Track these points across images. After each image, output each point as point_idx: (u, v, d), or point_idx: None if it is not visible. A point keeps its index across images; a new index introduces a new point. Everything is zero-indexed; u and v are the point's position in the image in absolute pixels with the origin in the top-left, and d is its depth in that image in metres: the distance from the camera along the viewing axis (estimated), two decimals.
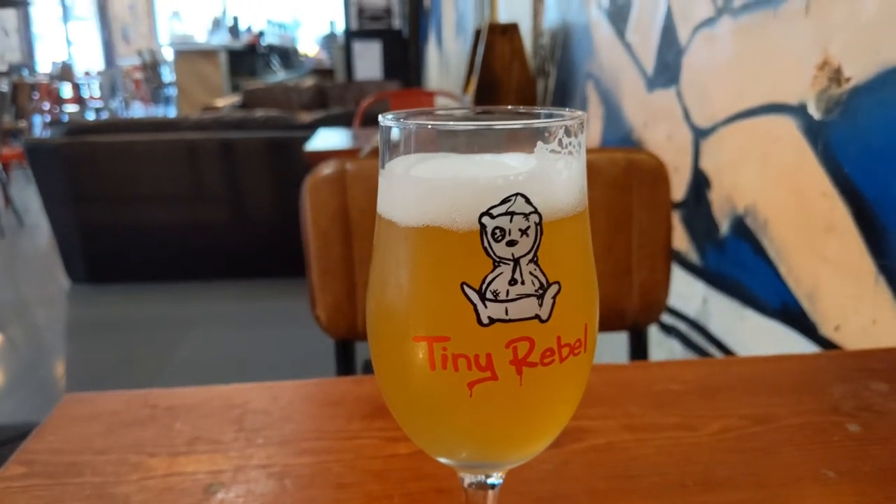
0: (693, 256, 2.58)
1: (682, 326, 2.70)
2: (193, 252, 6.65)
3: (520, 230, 0.57)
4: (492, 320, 0.58)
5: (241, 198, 6.59)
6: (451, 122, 0.60)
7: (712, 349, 2.48)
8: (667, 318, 2.81)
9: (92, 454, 0.99)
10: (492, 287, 0.57)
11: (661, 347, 2.88)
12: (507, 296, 0.58)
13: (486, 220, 0.57)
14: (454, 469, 0.69)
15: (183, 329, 5.63)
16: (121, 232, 6.56)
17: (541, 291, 0.58)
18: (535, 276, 0.58)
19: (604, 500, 0.89)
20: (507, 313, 0.58)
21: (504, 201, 0.57)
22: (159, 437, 1.03)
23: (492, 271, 0.57)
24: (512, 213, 0.57)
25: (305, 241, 1.75)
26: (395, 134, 0.61)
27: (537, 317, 0.58)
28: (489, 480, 0.69)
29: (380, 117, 0.62)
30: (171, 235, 6.59)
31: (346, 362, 1.85)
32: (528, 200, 0.57)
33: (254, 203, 6.61)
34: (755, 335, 2.21)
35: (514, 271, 0.57)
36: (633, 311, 1.84)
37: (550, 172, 0.59)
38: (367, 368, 2.51)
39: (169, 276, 6.68)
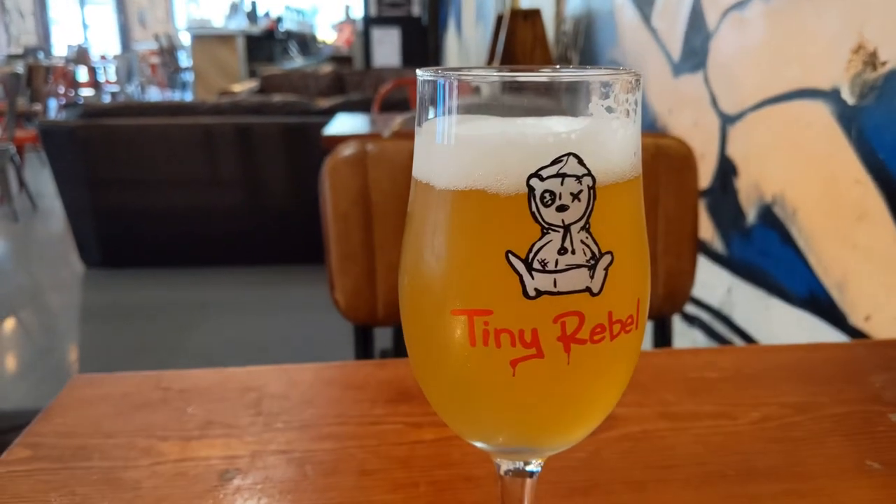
0: (718, 245, 2.55)
1: (705, 316, 2.67)
2: (209, 237, 6.64)
3: (571, 194, 0.53)
4: (539, 292, 0.53)
5: (258, 183, 6.57)
6: (499, 73, 0.55)
7: (736, 339, 2.45)
8: (690, 308, 2.77)
9: (101, 437, 0.96)
10: (539, 256, 0.53)
11: (684, 337, 2.84)
12: (555, 266, 0.53)
13: (534, 182, 0.52)
14: (490, 455, 0.65)
15: (198, 315, 5.62)
16: (136, 216, 6.54)
17: (592, 262, 0.54)
18: (587, 245, 0.54)
19: (641, 490, 0.86)
20: (555, 285, 0.53)
21: (555, 162, 0.52)
22: (171, 421, 1.00)
23: (540, 239, 0.53)
24: (563, 175, 0.52)
25: (325, 224, 1.72)
26: (435, 89, 0.56)
27: (588, 289, 0.54)
28: (528, 468, 0.65)
29: (418, 71, 0.58)
30: (187, 220, 6.58)
31: (364, 348, 1.81)
32: (581, 161, 0.53)
33: (270, 188, 6.59)
34: (781, 325, 2.17)
35: (564, 239, 0.53)
36: (657, 299, 1.81)
37: (605, 132, 0.55)
38: (384, 357, 2.48)
39: (184, 261, 6.67)
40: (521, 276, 0.53)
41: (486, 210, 0.54)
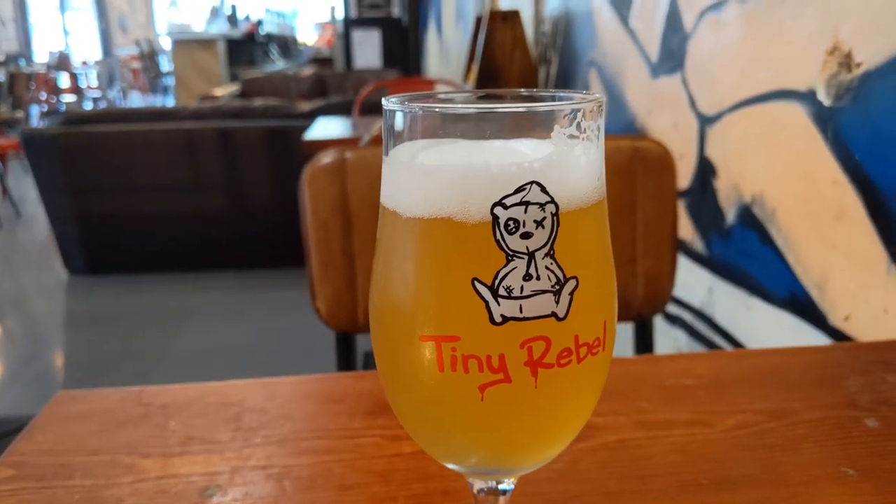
0: (698, 245, 2.55)
1: (686, 316, 2.67)
2: (192, 242, 6.63)
3: (535, 221, 0.53)
4: (505, 319, 0.54)
5: (240, 187, 6.57)
6: (461, 106, 0.56)
7: (718, 339, 2.46)
8: (671, 308, 2.78)
9: (83, 455, 0.96)
10: (505, 283, 0.54)
11: (666, 337, 2.85)
12: (521, 292, 0.54)
13: (498, 210, 0.53)
14: (463, 474, 0.65)
15: (182, 320, 5.61)
16: (119, 223, 6.53)
17: (557, 287, 0.55)
18: (552, 271, 0.54)
19: (617, 500, 0.86)
20: (521, 311, 0.54)
21: (518, 190, 0.53)
22: (153, 437, 1.00)
23: (505, 266, 0.54)
24: (526, 203, 0.53)
25: (305, 232, 1.72)
26: (400, 119, 0.57)
27: (554, 314, 0.55)
28: (500, 486, 0.66)
29: (384, 101, 0.58)
30: (170, 226, 6.57)
31: (346, 355, 1.82)
32: (543, 189, 0.53)
33: (253, 193, 6.59)
34: (762, 325, 2.18)
35: (528, 266, 0.54)
36: (637, 301, 1.81)
37: (568, 159, 0.56)
38: (368, 360, 2.49)
39: (167, 266, 6.66)
40: (487, 303, 0.54)
41: (451, 238, 0.55)
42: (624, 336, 1.87)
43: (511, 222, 0.53)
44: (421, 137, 0.56)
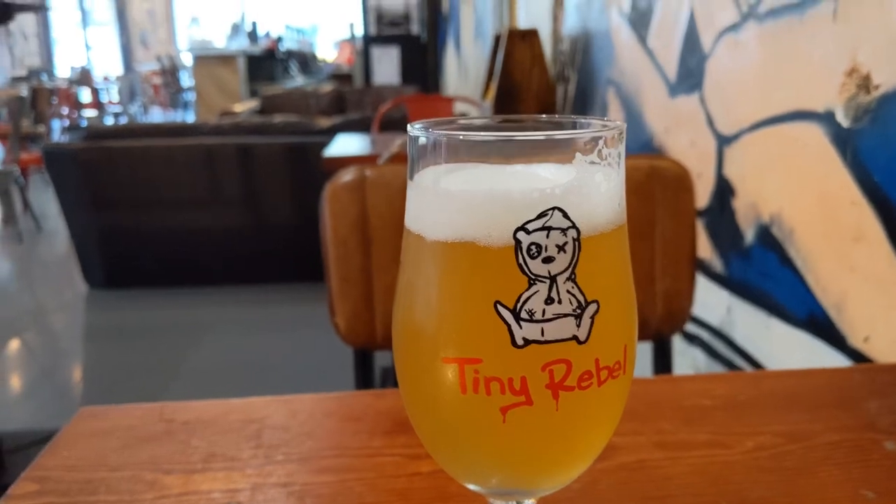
0: (717, 265, 2.55)
1: (705, 335, 2.67)
2: (212, 257, 6.65)
3: (557, 246, 0.54)
4: (527, 341, 0.55)
5: (259, 203, 6.58)
6: (485, 133, 0.57)
7: (737, 359, 2.45)
8: (690, 327, 2.77)
9: (106, 471, 0.97)
10: (527, 306, 0.54)
11: (684, 356, 2.85)
12: (543, 315, 0.55)
13: (521, 235, 0.54)
14: (483, 495, 0.66)
15: (201, 335, 5.62)
16: (139, 237, 6.56)
17: (579, 311, 0.55)
18: (573, 295, 0.55)
19: None
20: (543, 334, 0.55)
21: (540, 216, 0.54)
22: (175, 454, 1.01)
23: (527, 289, 0.54)
24: (549, 229, 0.54)
25: (324, 249, 1.73)
26: (425, 144, 0.58)
27: (575, 338, 0.56)
28: None
29: (409, 127, 0.59)
30: (190, 241, 6.59)
31: (364, 371, 1.82)
32: (565, 215, 0.54)
33: (272, 208, 6.60)
34: (781, 345, 2.17)
35: (550, 290, 0.54)
36: (656, 320, 1.81)
37: (589, 185, 0.56)
38: (386, 377, 2.49)
39: (187, 281, 6.67)
40: (509, 326, 0.55)
41: (475, 262, 0.56)
42: (642, 355, 1.86)
43: (533, 247, 0.54)
44: (445, 162, 0.57)
